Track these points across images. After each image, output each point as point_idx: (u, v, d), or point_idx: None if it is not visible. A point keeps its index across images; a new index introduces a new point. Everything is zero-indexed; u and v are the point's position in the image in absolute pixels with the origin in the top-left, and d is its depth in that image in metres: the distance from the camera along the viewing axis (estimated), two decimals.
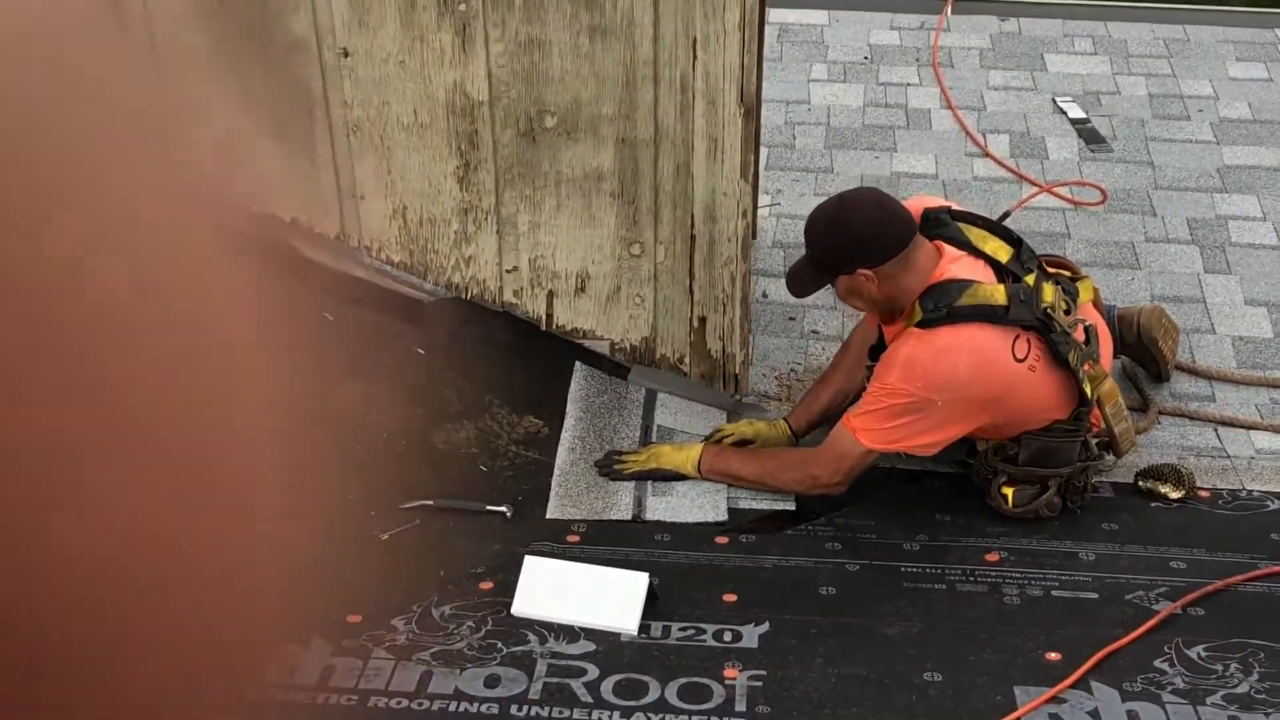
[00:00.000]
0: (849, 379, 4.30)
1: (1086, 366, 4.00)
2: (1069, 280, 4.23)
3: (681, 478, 4.24)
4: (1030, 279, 3.96)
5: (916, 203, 4.18)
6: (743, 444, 4.35)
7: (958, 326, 3.84)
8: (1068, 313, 4.03)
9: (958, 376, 3.84)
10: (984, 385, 3.88)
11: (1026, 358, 3.87)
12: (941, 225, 4.01)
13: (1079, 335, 4.03)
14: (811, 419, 4.38)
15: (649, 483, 4.23)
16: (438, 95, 4.15)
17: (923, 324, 3.87)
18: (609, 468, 4.28)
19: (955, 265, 3.92)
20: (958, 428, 3.95)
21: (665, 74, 4.05)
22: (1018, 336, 3.87)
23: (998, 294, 3.88)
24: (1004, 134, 6.14)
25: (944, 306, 3.85)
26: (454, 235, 4.38)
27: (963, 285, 3.88)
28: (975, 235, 4.02)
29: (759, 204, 5.45)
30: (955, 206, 4.19)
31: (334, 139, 4.27)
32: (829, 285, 4.07)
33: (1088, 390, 4.00)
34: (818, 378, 4.50)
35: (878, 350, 4.11)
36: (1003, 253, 4.01)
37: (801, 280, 4.08)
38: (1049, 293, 3.98)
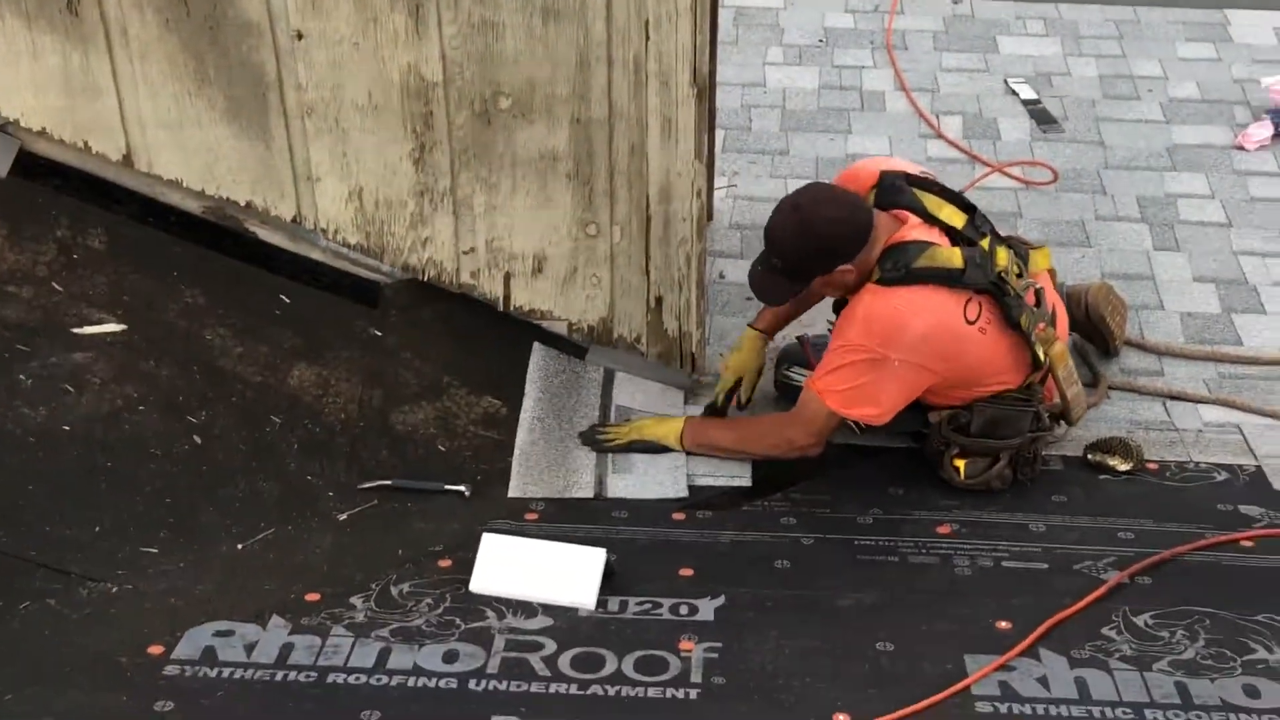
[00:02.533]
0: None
1: (1039, 328, 4.06)
2: (1021, 245, 4.28)
3: (664, 450, 4.29)
4: (985, 243, 4.03)
5: (872, 165, 4.24)
6: (733, 391, 4.44)
7: (914, 287, 3.91)
8: (1019, 276, 4.09)
9: (913, 335, 3.91)
10: (938, 344, 3.94)
11: (977, 320, 3.95)
12: (898, 192, 4.07)
13: (1029, 298, 4.09)
14: (779, 317, 4.49)
15: (609, 461, 4.26)
16: (392, 77, 4.17)
17: (881, 281, 3.95)
18: (593, 440, 4.32)
19: (913, 232, 4.00)
20: (912, 388, 4.01)
21: (618, 55, 4.08)
22: (969, 299, 3.94)
23: (954, 257, 3.95)
24: (957, 115, 6.19)
25: (902, 266, 3.93)
26: (410, 217, 4.40)
27: (921, 246, 3.95)
28: (931, 202, 4.08)
29: (716, 186, 5.49)
30: (911, 170, 4.22)
31: (289, 122, 4.28)
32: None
33: (1039, 353, 4.07)
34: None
35: (840, 305, 4.19)
36: (957, 219, 4.08)
37: (774, 289, 4.14)
38: (1002, 257, 4.05)
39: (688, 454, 4.29)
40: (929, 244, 3.96)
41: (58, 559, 3.62)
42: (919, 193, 4.09)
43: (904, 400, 4.03)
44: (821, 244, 3.96)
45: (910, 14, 6.96)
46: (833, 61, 6.60)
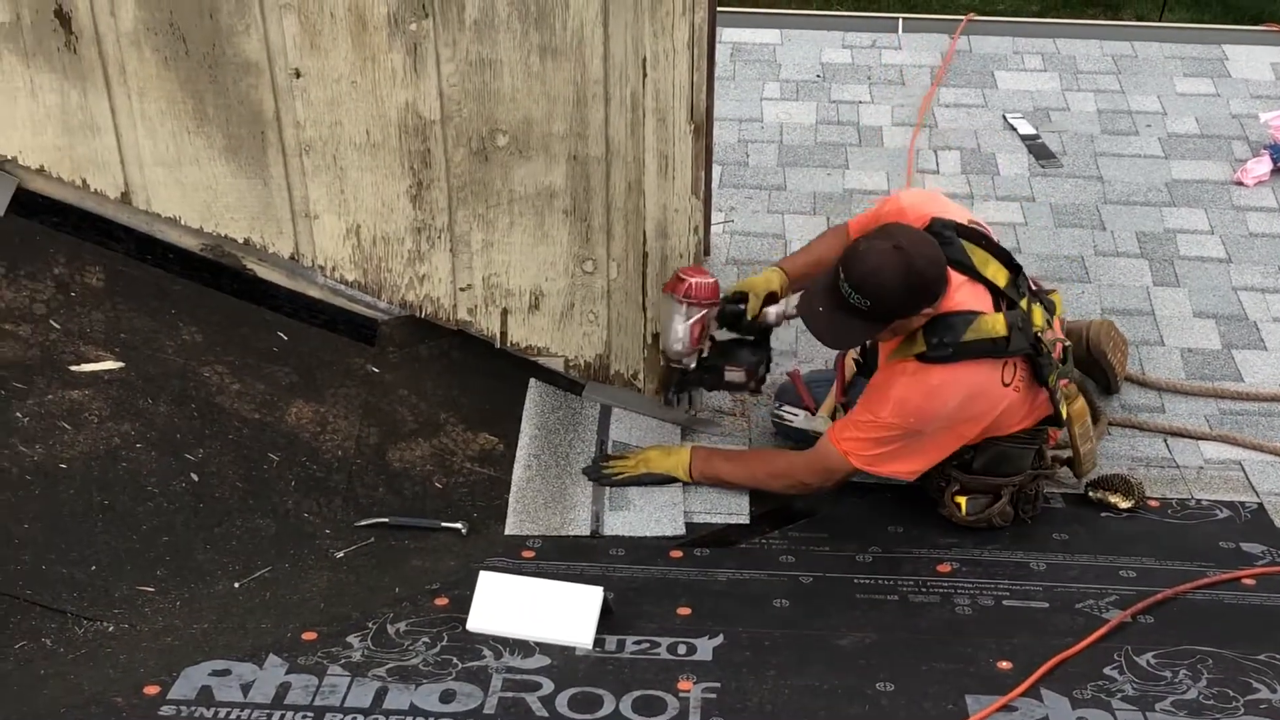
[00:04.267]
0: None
1: (1063, 384, 4.06)
2: (1045, 295, 4.24)
3: (672, 481, 4.28)
4: (1024, 303, 3.99)
5: (919, 205, 4.10)
6: (740, 303, 4.28)
7: (955, 366, 3.87)
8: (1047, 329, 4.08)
9: (948, 411, 3.91)
10: (973, 416, 3.96)
11: (1012, 381, 3.93)
12: (947, 243, 3.94)
13: (1057, 353, 4.07)
14: (801, 274, 4.30)
15: (606, 498, 4.25)
16: (390, 115, 4.17)
17: (924, 358, 3.89)
18: (598, 473, 4.31)
19: (959, 292, 3.91)
20: (942, 453, 4.03)
21: (616, 92, 4.08)
22: (1007, 362, 3.92)
23: (999, 325, 3.90)
24: (955, 150, 6.20)
25: (949, 344, 3.85)
26: (408, 254, 4.39)
27: (968, 318, 3.88)
28: (978, 257, 3.98)
29: (713, 221, 5.49)
30: (958, 216, 4.10)
31: (287, 159, 4.27)
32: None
33: (1062, 411, 4.06)
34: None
35: (869, 356, 4.20)
36: (1001, 277, 3.99)
37: (850, 332, 3.97)
38: (1038, 317, 4.02)
39: (695, 485, 4.28)
40: (975, 314, 3.89)
41: (53, 597, 3.60)
42: (968, 246, 3.99)
43: (935, 461, 4.04)
44: (923, 285, 3.82)
45: (908, 49, 6.97)
46: (830, 96, 6.61)
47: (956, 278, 3.92)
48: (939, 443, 3.99)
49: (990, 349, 3.88)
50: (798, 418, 4.46)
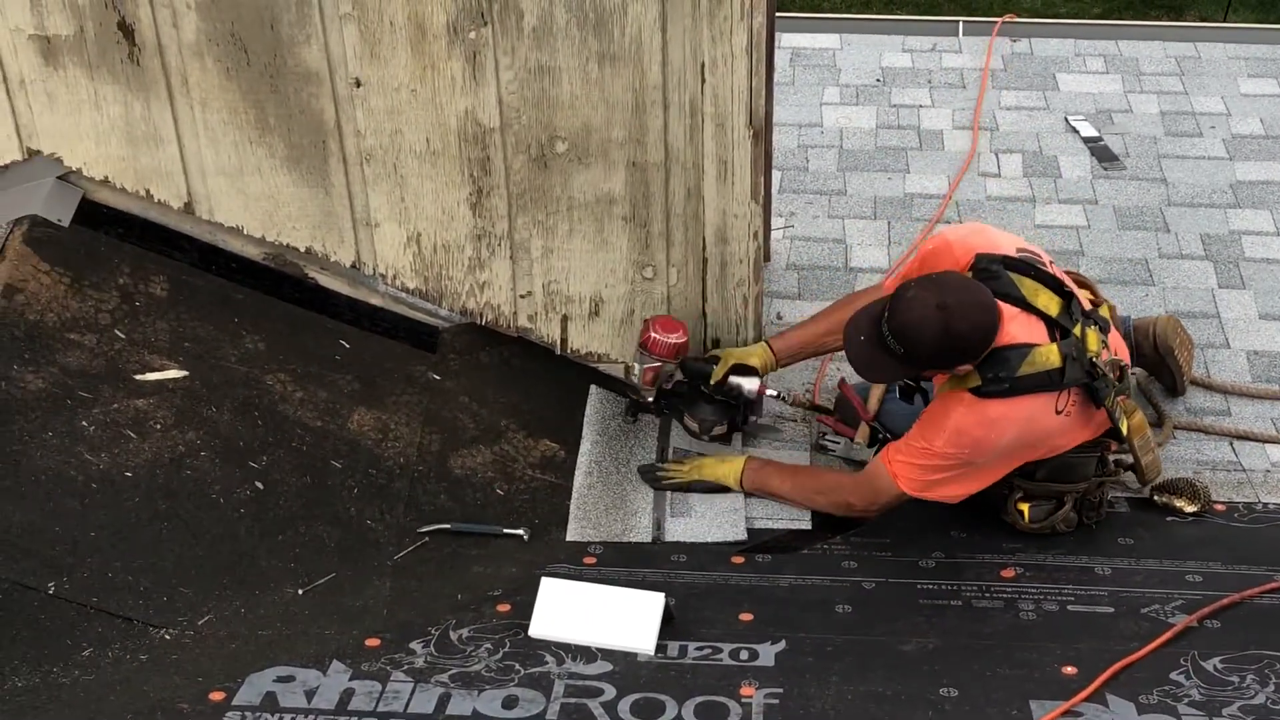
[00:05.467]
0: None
1: (1121, 400, 4.03)
2: (1094, 305, 4.21)
3: (723, 489, 4.28)
4: (1077, 330, 3.96)
5: (966, 240, 4.07)
6: (710, 364, 4.38)
7: (1012, 401, 3.85)
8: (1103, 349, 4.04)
9: (1004, 443, 3.90)
10: (1027, 444, 3.95)
11: (1065, 408, 3.91)
12: (993, 278, 3.93)
13: (1114, 374, 4.03)
14: (792, 353, 4.42)
15: (668, 504, 4.25)
16: (449, 123, 4.19)
17: (979, 392, 3.87)
18: (653, 476, 4.31)
19: (1012, 325, 3.89)
20: (992, 480, 4.01)
21: (674, 98, 4.08)
22: (1062, 393, 3.90)
23: (1053, 356, 3.88)
24: (1017, 153, 6.15)
25: (1005, 379, 3.84)
26: (468, 261, 4.41)
27: (1021, 352, 3.86)
28: (1027, 288, 3.95)
29: (773, 227, 5.48)
30: (1005, 247, 4.06)
31: (348, 168, 4.30)
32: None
33: (1122, 427, 4.03)
34: (813, 315, 4.50)
35: (910, 388, 4.20)
36: (1053, 306, 3.97)
37: (884, 370, 4.03)
38: (1093, 341, 3.98)
39: (746, 495, 4.27)
40: (1030, 346, 3.87)
41: (119, 605, 3.63)
42: (1016, 278, 3.96)
43: (984, 486, 4.02)
44: (961, 347, 3.83)
45: (969, 52, 6.94)
46: (890, 101, 6.58)
47: (1009, 310, 3.90)
48: (992, 471, 3.98)
49: (1046, 382, 3.87)
50: (839, 446, 4.46)
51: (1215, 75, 6.71)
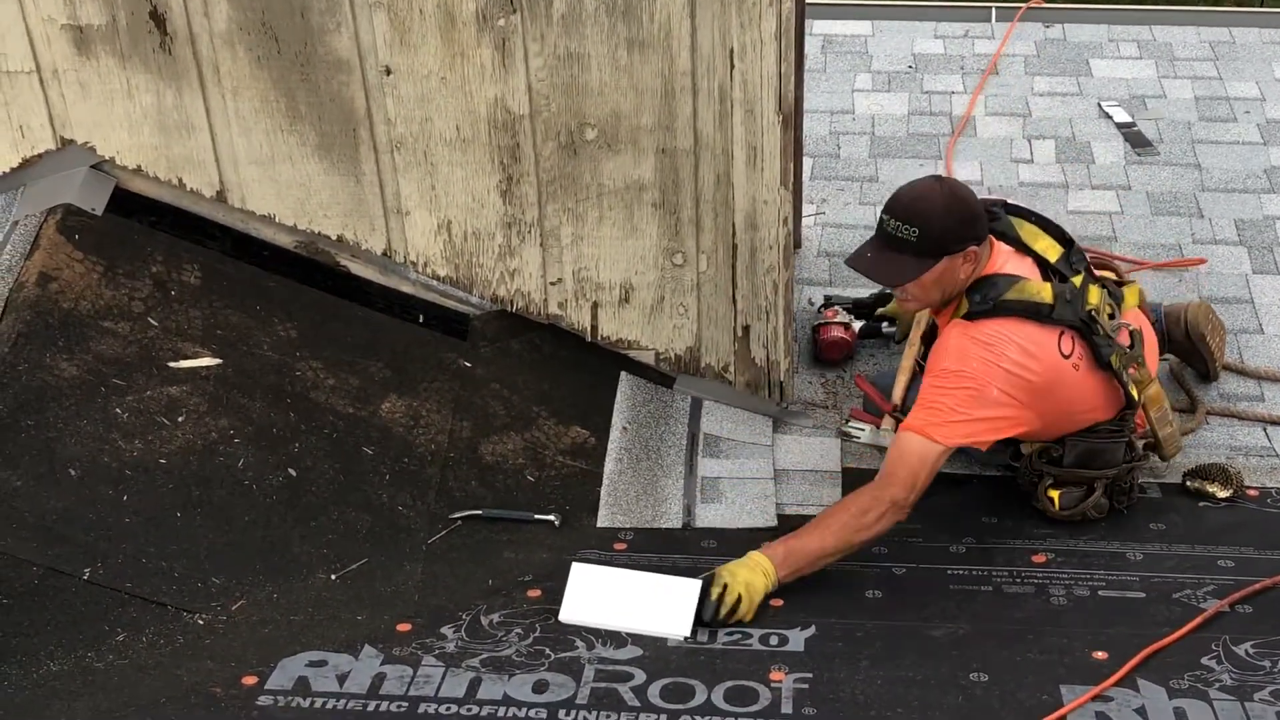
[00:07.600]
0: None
1: (1131, 370, 4.01)
2: (1114, 284, 4.23)
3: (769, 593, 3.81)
4: (1077, 280, 3.97)
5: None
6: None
7: (1002, 320, 3.87)
8: (1112, 317, 4.03)
9: (1008, 363, 3.86)
10: (1033, 373, 3.88)
11: (1072, 354, 3.89)
12: (993, 219, 4.03)
13: (1123, 338, 4.03)
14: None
15: (698, 490, 4.26)
16: (479, 110, 4.20)
17: (969, 316, 3.91)
18: (713, 619, 3.71)
19: (1005, 262, 3.96)
20: (1012, 416, 3.91)
21: (703, 84, 4.08)
22: (1063, 333, 3.89)
23: (1044, 292, 3.90)
24: (1050, 139, 6.13)
25: (990, 300, 3.89)
26: (498, 249, 4.42)
27: (1010, 280, 3.91)
28: (1027, 232, 4.04)
29: (804, 213, 5.47)
30: (1009, 201, 4.20)
31: (378, 156, 4.32)
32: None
33: (1133, 393, 4.01)
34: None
35: (930, 336, 4.18)
36: (1052, 252, 4.03)
37: (899, 268, 3.95)
38: (1094, 295, 3.99)
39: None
40: (1018, 278, 3.92)
41: (153, 590, 3.66)
42: (1015, 220, 4.04)
43: (1006, 431, 3.95)
44: (967, 211, 3.90)
45: (1000, 39, 6.91)
46: (922, 87, 6.57)
47: (1003, 249, 3.99)
48: (1006, 403, 3.86)
49: (1033, 311, 3.88)
50: (864, 433, 4.38)
51: (1250, 60, 6.67)
